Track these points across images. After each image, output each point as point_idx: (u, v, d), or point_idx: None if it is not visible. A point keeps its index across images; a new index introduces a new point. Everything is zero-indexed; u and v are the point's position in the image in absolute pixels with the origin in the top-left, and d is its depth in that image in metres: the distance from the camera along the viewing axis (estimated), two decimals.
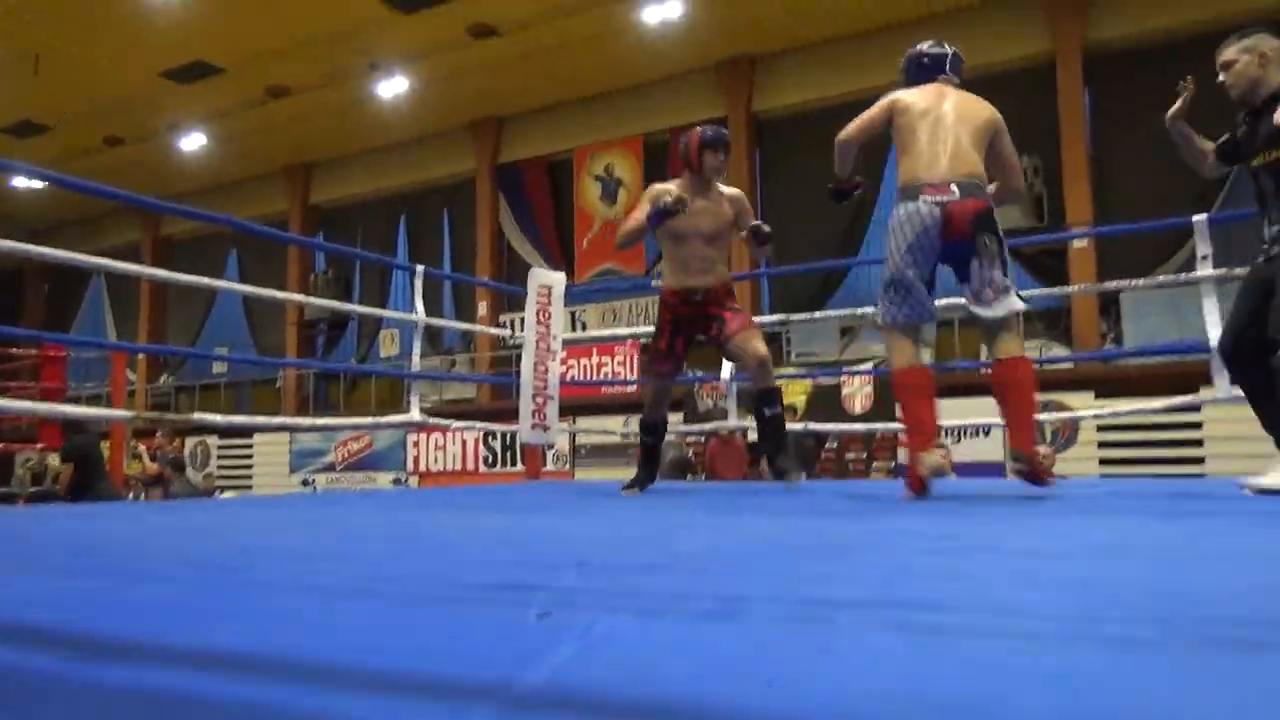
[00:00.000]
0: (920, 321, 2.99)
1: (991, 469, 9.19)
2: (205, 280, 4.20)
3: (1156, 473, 8.42)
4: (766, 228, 3.71)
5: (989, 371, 3.02)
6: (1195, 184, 10.17)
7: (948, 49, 3.20)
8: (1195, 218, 4.40)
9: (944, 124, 2.98)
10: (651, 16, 11.20)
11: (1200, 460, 8.74)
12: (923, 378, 2.99)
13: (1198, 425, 8.76)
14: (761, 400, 3.68)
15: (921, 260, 2.91)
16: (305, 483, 14.23)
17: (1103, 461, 9.34)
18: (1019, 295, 2.92)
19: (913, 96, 3.07)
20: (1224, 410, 6.99)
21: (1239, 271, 4.36)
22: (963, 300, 2.99)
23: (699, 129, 3.84)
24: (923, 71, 3.17)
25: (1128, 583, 1.01)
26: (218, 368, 16.78)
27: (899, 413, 3.08)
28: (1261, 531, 1.67)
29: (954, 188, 2.88)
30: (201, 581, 1.24)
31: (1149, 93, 10.79)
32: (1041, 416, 8.05)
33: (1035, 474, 2.83)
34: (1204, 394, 4.48)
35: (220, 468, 14.84)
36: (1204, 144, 3.33)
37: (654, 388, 4.02)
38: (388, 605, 1.06)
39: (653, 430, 4.06)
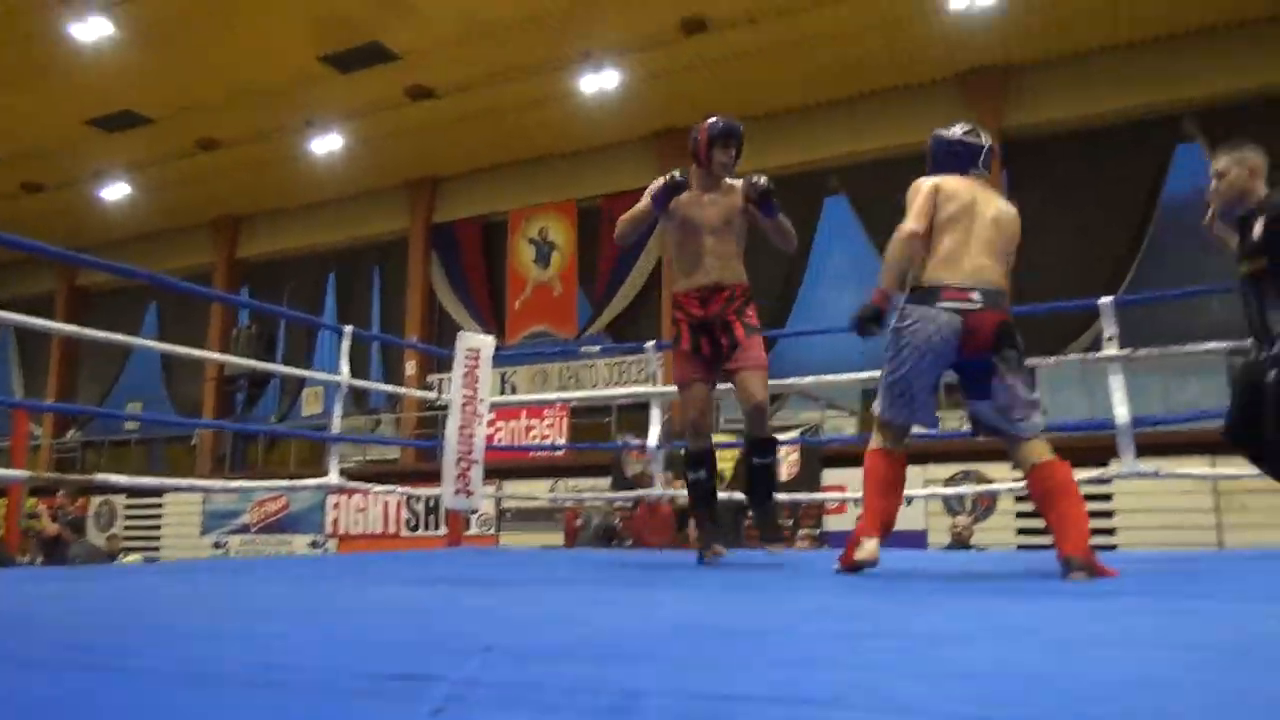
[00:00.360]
0: (916, 424, 2.86)
1: (913, 538, 9.31)
2: (119, 337, 4.07)
3: None
4: (762, 179, 3.36)
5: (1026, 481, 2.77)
6: (1105, 265, 10.72)
7: (984, 140, 3.00)
8: (1101, 300, 4.60)
9: (976, 226, 2.81)
10: (589, 86, 11.42)
11: (1112, 531, 9.00)
12: (890, 469, 2.84)
13: (1109, 497, 9.04)
14: (753, 448, 3.41)
15: (931, 368, 2.77)
16: (218, 545, 13.69)
17: (1020, 531, 9.55)
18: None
19: (951, 187, 2.86)
20: (1133, 484, 7.25)
21: (1142, 352, 4.58)
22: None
23: (709, 121, 3.53)
24: (953, 160, 2.96)
25: (1021, 673, 1.03)
26: (130, 424, 16.17)
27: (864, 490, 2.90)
28: (1155, 614, 1.72)
29: (976, 295, 2.71)
30: (81, 669, 1.18)
31: (1064, 176, 11.44)
32: (962, 489, 8.24)
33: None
34: (1114, 467, 4.63)
35: (127, 528, 14.19)
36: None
37: (687, 405, 3.42)
38: (279, 697, 1.02)
39: (697, 463, 3.48)
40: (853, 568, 2.75)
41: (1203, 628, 1.53)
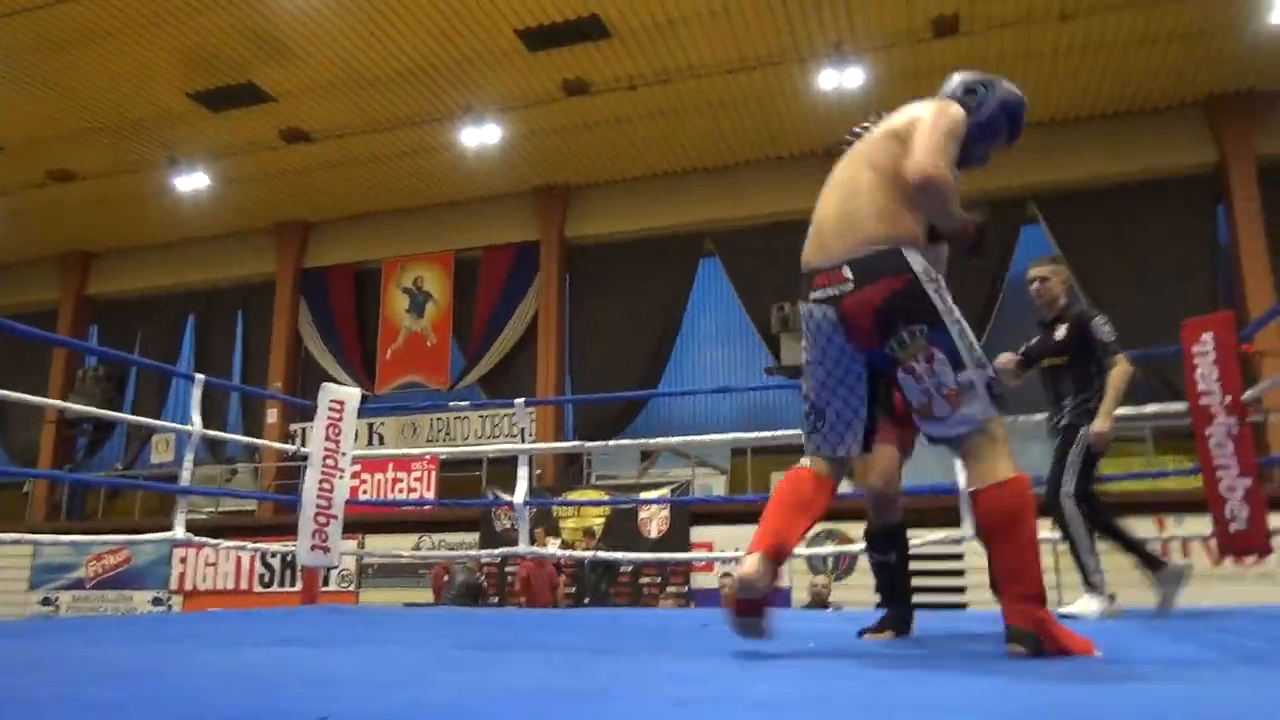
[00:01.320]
0: (836, 453, 2.23)
1: (777, 596, 9.49)
2: None
3: (923, 601, 8.98)
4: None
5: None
6: None
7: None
8: None
9: (838, 176, 2.27)
10: (469, 139, 11.44)
11: (962, 590, 9.41)
12: (805, 488, 2.20)
13: (959, 557, 9.47)
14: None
15: (830, 379, 2.16)
16: (47, 602, 12.67)
17: (879, 589, 9.87)
18: (992, 390, 2.04)
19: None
20: (978, 545, 7.64)
21: None
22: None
23: None
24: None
25: None
26: None
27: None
28: (972, 678, 1.83)
29: (847, 271, 2.07)
30: None
31: None
32: (824, 549, 8.43)
33: (1052, 651, 1.91)
34: (961, 530, 4.87)
35: None
36: (1011, 367, 4.06)
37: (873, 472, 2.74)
38: None
39: (876, 541, 2.85)
40: (735, 606, 2.14)
41: (1007, 693, 1.61)
